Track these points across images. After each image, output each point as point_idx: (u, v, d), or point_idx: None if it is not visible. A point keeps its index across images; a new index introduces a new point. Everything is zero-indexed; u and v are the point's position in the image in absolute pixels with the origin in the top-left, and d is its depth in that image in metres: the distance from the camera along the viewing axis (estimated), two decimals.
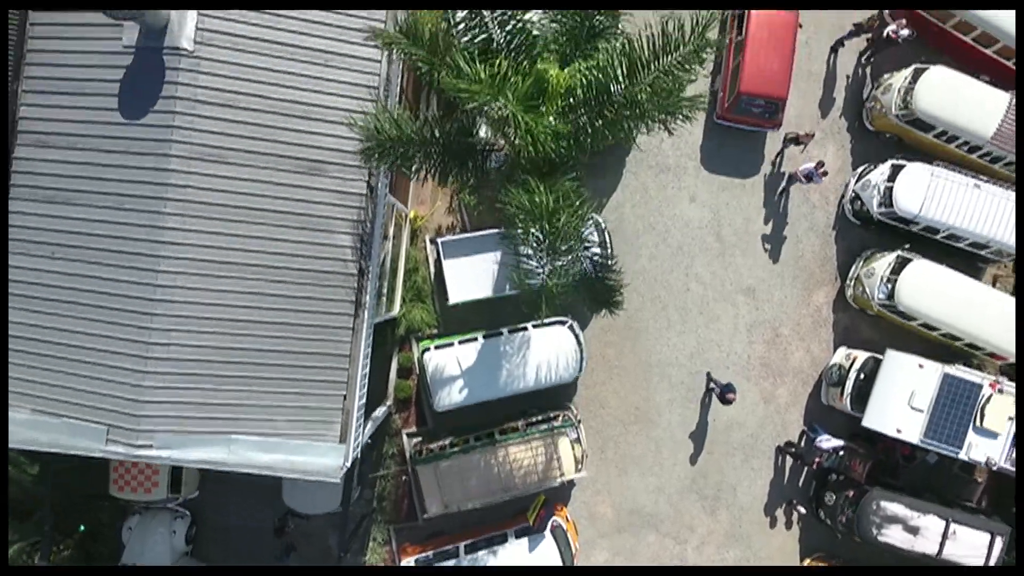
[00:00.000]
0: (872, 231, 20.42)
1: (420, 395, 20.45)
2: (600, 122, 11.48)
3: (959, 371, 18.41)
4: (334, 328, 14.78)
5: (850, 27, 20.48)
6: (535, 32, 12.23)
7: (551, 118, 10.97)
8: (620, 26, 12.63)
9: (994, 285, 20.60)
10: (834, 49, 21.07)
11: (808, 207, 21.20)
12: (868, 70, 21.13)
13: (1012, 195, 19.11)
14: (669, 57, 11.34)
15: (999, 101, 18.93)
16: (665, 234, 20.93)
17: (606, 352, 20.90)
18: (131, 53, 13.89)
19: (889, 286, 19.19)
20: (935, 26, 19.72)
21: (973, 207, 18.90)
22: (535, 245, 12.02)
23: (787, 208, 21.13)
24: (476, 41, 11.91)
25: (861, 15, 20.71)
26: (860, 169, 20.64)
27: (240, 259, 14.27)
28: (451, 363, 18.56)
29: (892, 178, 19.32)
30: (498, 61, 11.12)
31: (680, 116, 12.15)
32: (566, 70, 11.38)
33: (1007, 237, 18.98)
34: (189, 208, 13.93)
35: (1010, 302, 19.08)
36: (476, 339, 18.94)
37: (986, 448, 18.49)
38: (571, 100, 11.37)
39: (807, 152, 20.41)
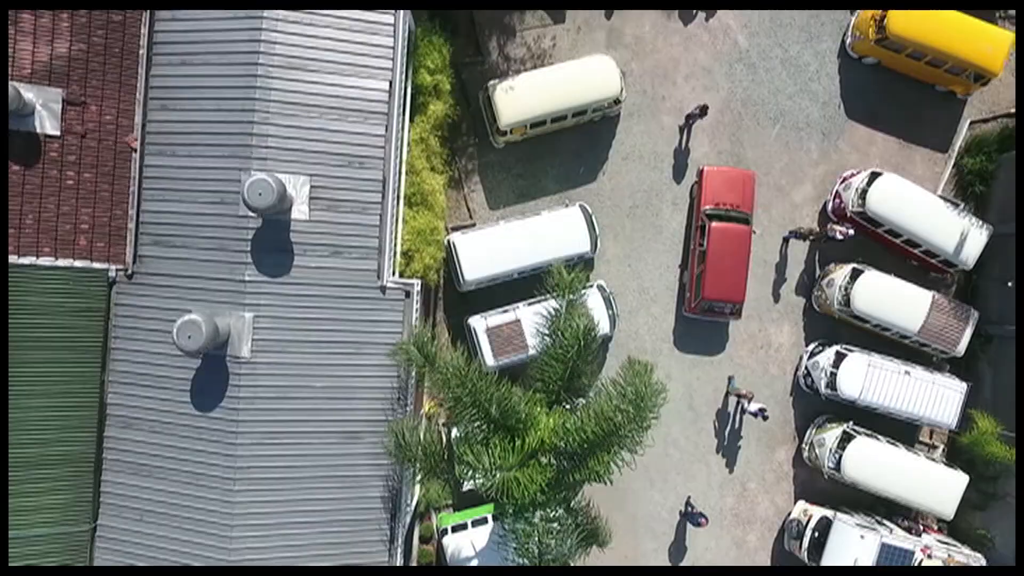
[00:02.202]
0: (823, 401, 23.68)
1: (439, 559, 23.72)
2: (578, 464, 14.60)
3: (895, 539, 21.75)
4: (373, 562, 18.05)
5: (799, 228, 23.61)
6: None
7: (538, 475, 14.09)
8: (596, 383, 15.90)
9: (930, 449, 24.01)
10: (786, 240, 24.22)
11: (768, 377, 24.45)
12: (816, 258, 24.31)
13: (937, 378, 22.42)
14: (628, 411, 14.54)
15: (924, 300, 22.21)
16: None
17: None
18: (200, 357, 17.00)
19: (836, 457, 22.49)
20: (872, 232, 22.90)
21: (904, 391, 22.21)
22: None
23: (749, 379, 24.34)
24: (476, 425, 15.00)
25: (813, 212, 23.90)
26: (811, 347, 23.90)
27: (290, 519, 17.46)
28: (467, 546, 21.83)
29: (836, 364, 22.58)
30: (495, 442, 14.26)
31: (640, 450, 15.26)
32: (551, 420, 14.55)
33: (934, 415, 22.32)
34: (252, 484, 17.14)
35: (940, 469, 22.43)
36: (486, 519, 22.17)
37: None
38: (556, 446, 14.51)
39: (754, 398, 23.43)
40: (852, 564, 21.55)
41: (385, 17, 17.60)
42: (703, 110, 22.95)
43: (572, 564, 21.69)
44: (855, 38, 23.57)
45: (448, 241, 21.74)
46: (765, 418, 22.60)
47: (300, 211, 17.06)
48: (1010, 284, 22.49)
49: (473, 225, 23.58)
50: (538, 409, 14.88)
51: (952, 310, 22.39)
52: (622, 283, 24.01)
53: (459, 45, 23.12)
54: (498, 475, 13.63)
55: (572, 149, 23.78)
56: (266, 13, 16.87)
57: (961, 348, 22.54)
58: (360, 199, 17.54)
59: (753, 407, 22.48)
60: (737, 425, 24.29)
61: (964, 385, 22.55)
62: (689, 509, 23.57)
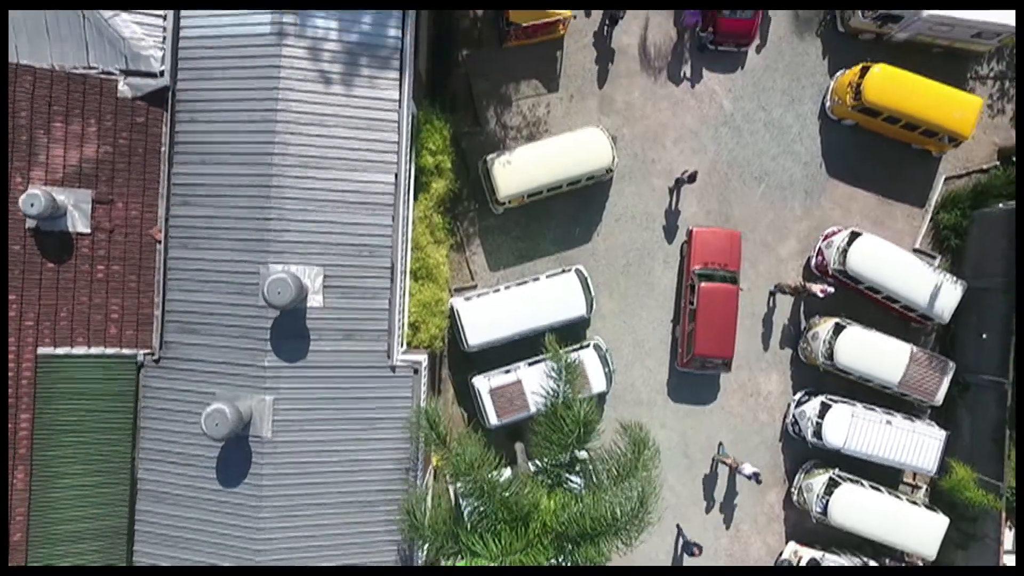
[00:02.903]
0: (810, 448, 24.93)
1: None
2: (578, 545, 15.82)
3: None
4: None
5: (784, 284, 24.84)
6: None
7: (541, 556, 15.33)
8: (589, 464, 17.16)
9: (914, 489, 25.29)
10: (772, 294, 25.48)
11: (759, 424, 25.73)
12: (802, 310, 25.57)
13: (917, 426, 23.70)
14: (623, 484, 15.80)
15: (903, 354, 23.48)
16: None
17: None
18: None
19: (824, 503, 23.75)
20: (853, 287, 24.17)
21: (886, 440, 23.48)
22: None
23: (740, 427, 25.63)
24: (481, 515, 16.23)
25: (797, 267, 25.20)
26: (798, 395, 25.18)
27: None
28: None
29: (821, 415, 23.85)
30: (500, 527, 15.50)
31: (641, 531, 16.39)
32: (552, 503, 15.81)
33: (915, 462, 23.59)
34: (275, 553, 18.42)
35: (922, 513, 23.70)
36: None
37: None
38: (558, 529, 15.74)
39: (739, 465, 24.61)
40: None
41: (390, 115, 18.85)
42: (692, 177, 24.21)
43: None
44: (834, 102, 24.83)
45: (452, 306, 23.00)
46: (759, 482, 23.84)
47: (315, 300, 18.34)
48: (985, 336, 23.75)
49: (475, 287, 24.86)
50: (540, 491, 16.12)
51: (929, 362, 23.64)
52: (618, 337, 25.28)
53: (458, 117, 24.48)
54: (504, 559, 14.88)
55: (568, 212, 25.05)
56: (279, 116, 18.15)
57: (939, 398, 23.80)
58: (370, 286, 18.82)
59: (748, 470, 23.59)
60: (729, 472, 25.55)
61: (943, 433, 23.82)
62: (683, 539, 24.70)
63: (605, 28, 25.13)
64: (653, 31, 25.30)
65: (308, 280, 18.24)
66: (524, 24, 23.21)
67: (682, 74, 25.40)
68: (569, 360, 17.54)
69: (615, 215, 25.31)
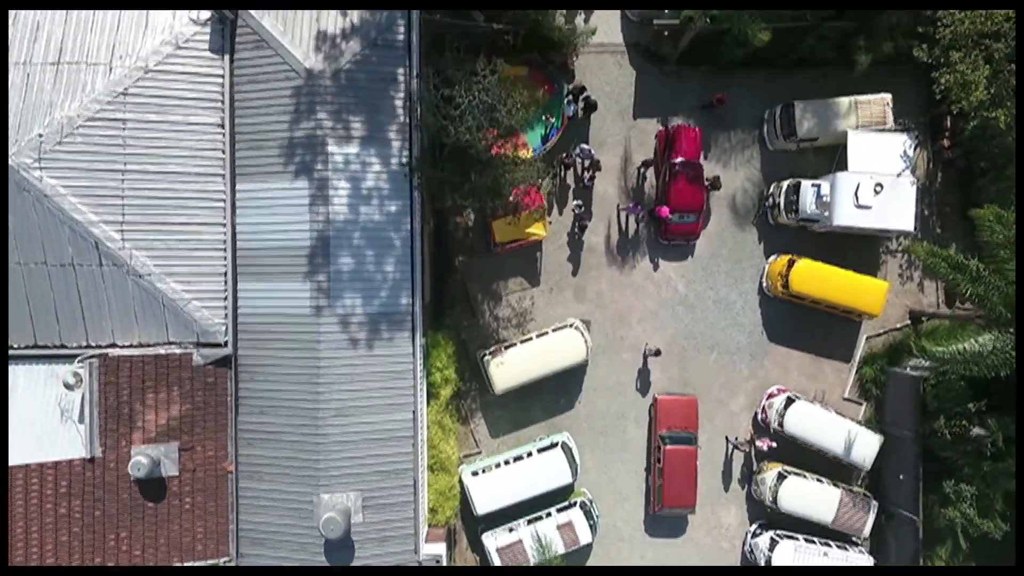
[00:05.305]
0: None
1: None
2: None
3: None
4: None
5: (737, 441, 29.92)
6: None
7: None
8: None
9: None
10: (727, 441, 30.58)
11: (721, 552, 30.85)
12: (753, 454, 30.65)
13: (850, 555, 28.79)
14: None
15: (834, 498, 28.59)
16: None
17: None
18: None
19: None
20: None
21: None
22: None
23: (707, 554, 30.72)
24: None
25: (747, 419, 30.29)
26: (753, 527, 30.28)
27: None
28: None
29: (771, 548, 28.92)
30: None
31: None
32: None
33: None
34: None
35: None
36: None
37: None
38: None
39: None
40: None
41: (406, 365, 24.05)
42: (656, 352, 29.38)
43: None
44: (769, 284, 29.93)
45: (461, 480, 28.16)
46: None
47: (356, 517, 23.52)
48: (901, 477, 28.82)
49: (479, 453, 30.03)
50: None
51: (855, 503, 28.74)
52: (601, 487, 30.42)
53: (457, 312, 29.65)
54: None
55: (554, 387, 30.17)
56: (321, 376, 23.31)
57: (866, 532, 28.91)
58: (398, 500, 24.00)
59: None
60: None
61: (871, 559, 28.92)
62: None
63: (576, 231, 30.25)
64: (615, 231, 30.43)
65: (350, 503, 23.42)
66: (506, 242, 28.38)
67: (642, 264, 30.54)
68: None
69: (592, 386, 30.46)
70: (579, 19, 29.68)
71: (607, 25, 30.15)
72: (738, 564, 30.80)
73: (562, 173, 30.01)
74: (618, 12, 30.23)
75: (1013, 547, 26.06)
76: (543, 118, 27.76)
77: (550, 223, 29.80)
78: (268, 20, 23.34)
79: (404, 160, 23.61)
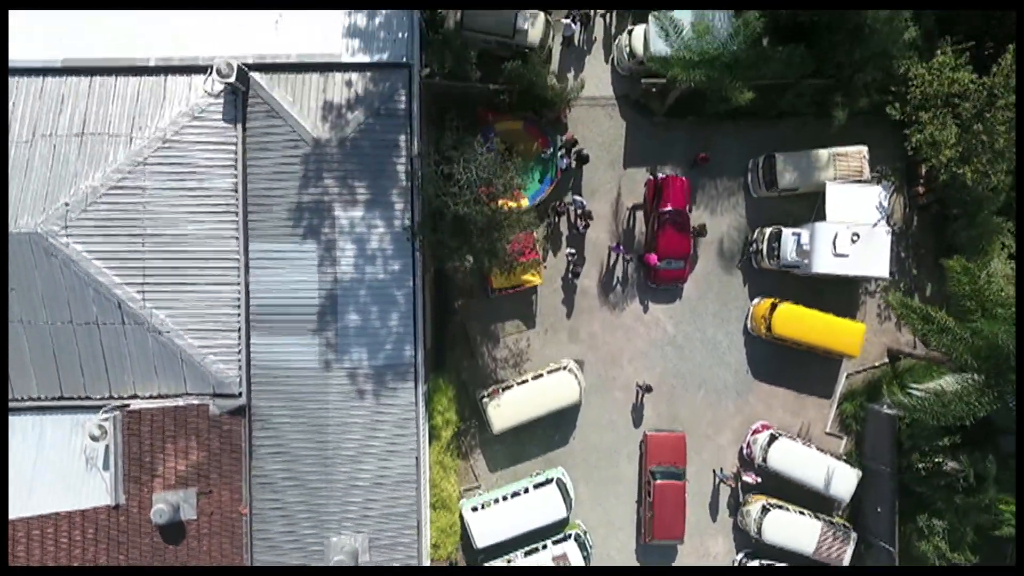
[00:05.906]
0: None
1: None
2: None
3: None
4: None
5: (724, 477, 31.49)
6: None
7: None
8: None
9: None
10: (715, 474, 32.14)
11: None
12: (740, 487, 32.20)
13: None
14: None
15: (815, 530, 30.16)
16: None
17: None
18: None
19: None
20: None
21: None
22: None
23: None
24: None
25: (733, 453, 31.87)
26: (739, 556, 31.84)
27: None
28: None
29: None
30: None
31: None
32: None
33: None
34: None
35: None
36: None
37: None
38: None
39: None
40: None
41: (409, 413, 25.62)
42: (648, 388, 30.97)
43: None
44: (753, 325, 31.50)
45: (461, 515, 29.73)
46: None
47: (364, 558, 25.10)
48: (879, 509, 30.40)
49: (479, 487, 31.60)
50: None
51: (835, 535, 30.31)
52: (595, 519, 32.00)
53: (457, 353, 31.22)
54: None
55: (549, 424, 31.72)
56: (329, 425, 24.88)
57: (846, 562, 30.48)
58: (403, 540, 25.58)
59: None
60: None
61: None
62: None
63: (570, 275, 31.81)
64: (607, 275, 32.01)
65: (358, 544, 25.01)
66: (503, 289, 29.97)
67: (632, 307, 32.10)
68: None
69: (586, 423, 32.03)
70: (569, 75, 31.29)
71: (597, 79, 31.77)
72: None
73: (555, 220, 31.55)
74: (608, 66, 31.81)
75: None
76: (537, 174, 29.38)
77: (545, 268, 31.37)
78: (278, 91, 24.91)
79: (407, 223, 25.17)
